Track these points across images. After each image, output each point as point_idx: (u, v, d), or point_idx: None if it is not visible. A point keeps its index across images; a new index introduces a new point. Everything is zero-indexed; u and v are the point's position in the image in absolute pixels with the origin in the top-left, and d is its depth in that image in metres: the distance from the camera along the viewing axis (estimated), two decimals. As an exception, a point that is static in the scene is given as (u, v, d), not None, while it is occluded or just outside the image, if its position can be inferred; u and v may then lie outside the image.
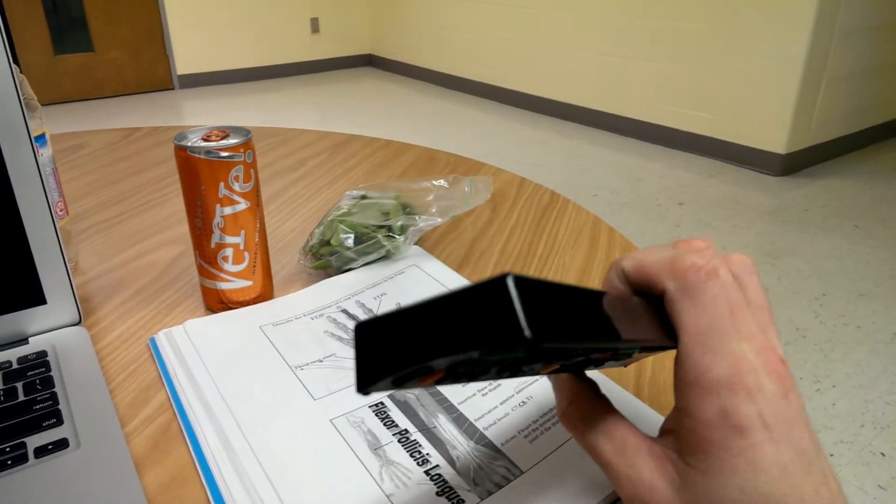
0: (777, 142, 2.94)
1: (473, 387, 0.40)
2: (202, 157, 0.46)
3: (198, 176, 0.47)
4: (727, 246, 2.33)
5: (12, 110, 0.42)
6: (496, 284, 0.18)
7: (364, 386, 0.19)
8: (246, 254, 0.50)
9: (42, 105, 4.24)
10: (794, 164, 3.00)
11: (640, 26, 3.36)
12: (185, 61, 4.77)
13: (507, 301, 0.17)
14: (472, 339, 0.18)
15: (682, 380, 0.24)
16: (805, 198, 2.76)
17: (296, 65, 5.26)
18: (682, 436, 0.24)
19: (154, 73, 4.75)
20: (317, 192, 0.77)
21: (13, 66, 0.43)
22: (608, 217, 2.60)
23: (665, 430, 0.26)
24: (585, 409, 0.28)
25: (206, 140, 0.48)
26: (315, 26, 5.25)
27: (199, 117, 4.14)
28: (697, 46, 3.13)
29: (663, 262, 0.26)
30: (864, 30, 2.95)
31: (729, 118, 3.09)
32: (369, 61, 5.66)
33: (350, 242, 0.55)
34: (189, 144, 0.46)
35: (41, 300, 0.46)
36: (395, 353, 0.19)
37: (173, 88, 4.84)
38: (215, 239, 0.49)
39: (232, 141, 0.47)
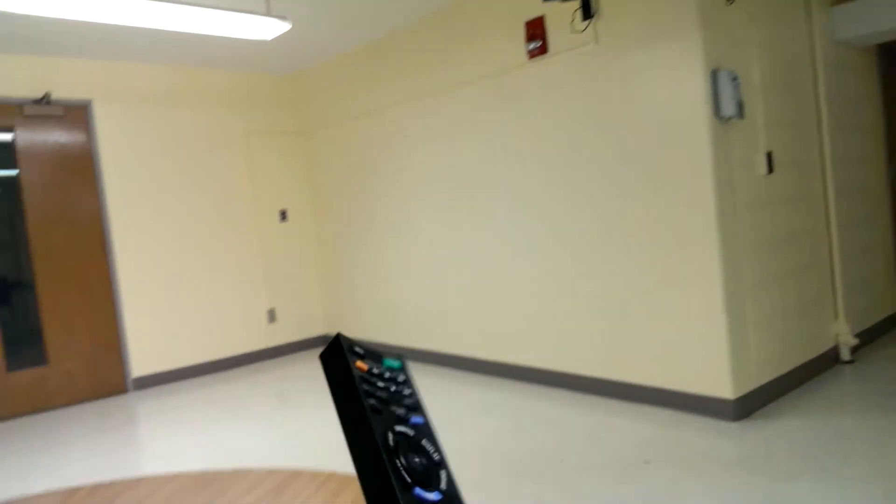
0: (724, 388, 3.03)
1: None
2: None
3: None
4: (702, 507, 2.25)
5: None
6: None
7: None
8: None
9: (-14, 425, 4.09)
10: (746, 408, 3.06)
11: (572, 289, 3.64)
12: (141, 364, 4.82)
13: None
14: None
15: None
16: (766, 442, 2.76)
17: (253, 354, 5.36)
18: None
19: (107, 379, 4.74)
20: (254, 557, 0.75)
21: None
22: (578, 485, 2.51)
23: None
24: None
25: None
26: (272, 316, 5.48)
27: (153, 418, 4.05)
28: (626, 306, 3.38)
29: None
30: (771, 278, 3.27)
31: (674, 369, 3.22)
32: (325, 342, 5.83)
33: None
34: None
35: None
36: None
37: (126, 392, 4.80)
38: None
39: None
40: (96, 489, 1.00)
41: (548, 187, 3.72)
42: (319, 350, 5.67)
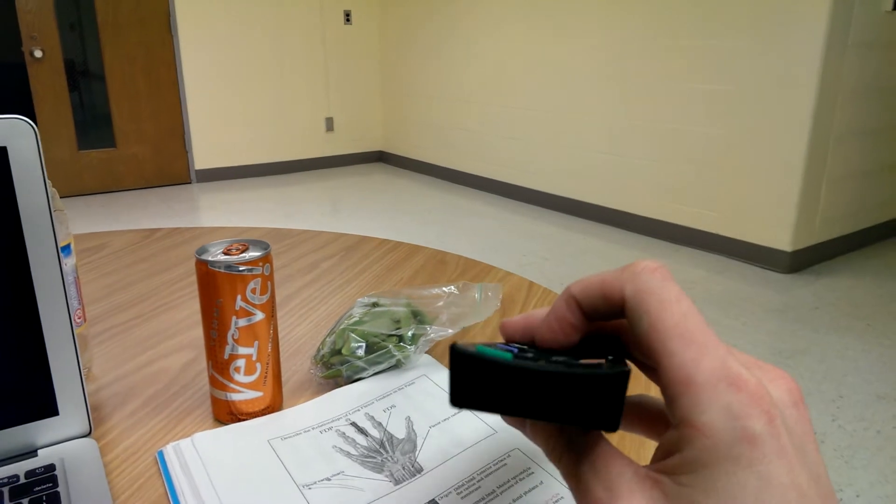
0: (782, 239, 2.97)
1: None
2: (221, 270, 0.47)
3: (216, 289, 0.48)
4: (738, 344, 2.31)
5: (43, 226, 0.44)
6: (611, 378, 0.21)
7: (459, 404, 0.22)
8: (258, 364, 0.50)
9: (62, 197, 4.37)
10: (800, 262, 3.02)
11: (640, 128, 3.49)
12: (203, 157, 4.95)
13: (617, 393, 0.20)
14: (571, 416, 0.21)
15: (673, 383, 0.20)
16: (814, 296, 2.75)
17: (310, 160, 5.45)
18: (679, 451, 0.20)
19: (172, 168, 4.92)
20: (329, 296, 0.78)
21: (47, 180, 0.45)
22: (616, 313, 2.59)
23: (657, 452, 0.22)
24: (570, 434, 0.24)
25: (226, 253, 0.50)
26: (330, 125, 5.48)
27: (215, 210, 4.25)
28: (698, 147, 3.23)
29: (615, 273, 0.24)
30: (859, 134, 3.04)
31: (733, 216, 3.14)
32: (380, 157, 5.86)
33: (361, 352, 0.56)
34: (209, 259, 0.48)
35: (53, 412, 0.46)
36: (496, 396, 0.22)
37: (190, 182, 5.00)
38: (229, 350, 0.49)
39: (251, 255, 0.49)
40: (174, 231, 1.05)
41: (631, 11, 3.42)
42: (373, 165, 5.72)
